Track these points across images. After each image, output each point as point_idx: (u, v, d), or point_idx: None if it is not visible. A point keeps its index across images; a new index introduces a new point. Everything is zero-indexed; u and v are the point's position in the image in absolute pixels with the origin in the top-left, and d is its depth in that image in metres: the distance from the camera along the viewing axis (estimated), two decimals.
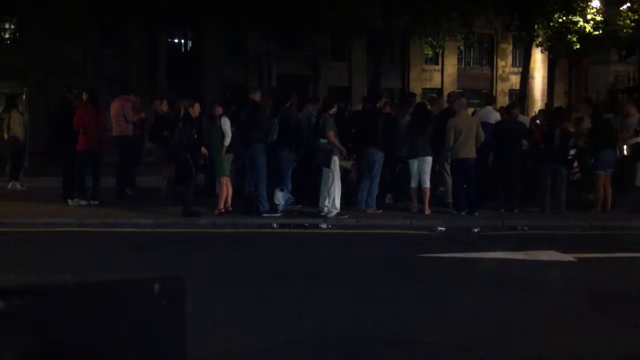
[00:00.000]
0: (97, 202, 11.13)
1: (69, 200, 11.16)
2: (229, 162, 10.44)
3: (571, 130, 11.69)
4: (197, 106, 10.25)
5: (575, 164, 11.65)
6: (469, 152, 10.72)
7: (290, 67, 30.08)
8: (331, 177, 10.34)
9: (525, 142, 11.57)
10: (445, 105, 12.70)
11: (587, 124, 12.13)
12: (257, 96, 10.75)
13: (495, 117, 12.20)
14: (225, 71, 30.07)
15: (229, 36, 30.46)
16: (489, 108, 12.59)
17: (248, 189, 10.75)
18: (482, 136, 10.81)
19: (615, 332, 5.12)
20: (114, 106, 11.91)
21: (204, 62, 30.28)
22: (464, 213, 10.87)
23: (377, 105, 11.35)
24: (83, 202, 11.10)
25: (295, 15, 28.23)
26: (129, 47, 28.68)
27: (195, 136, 10.20)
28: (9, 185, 13.13)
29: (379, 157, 10.77)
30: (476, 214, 10.79)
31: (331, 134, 10.31)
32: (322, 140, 10.40)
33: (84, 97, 11.56)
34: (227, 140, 10.13)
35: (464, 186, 10.89)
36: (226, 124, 10.17)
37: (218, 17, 28.35)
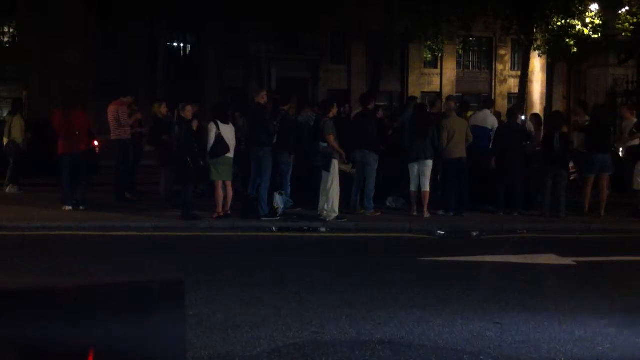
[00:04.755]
0: (83, 208, 10.95)
1: (63, 205, 11.06)
2: (227, 166, 10.38)
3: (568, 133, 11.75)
4: (188, 108, 10.22)
5: (571, 164, 11.68)
6: (462, 152, 10.96)
7: (290, 70, 30.08)
8: (330, 180, 10.34)
9: (528, 145, 11.63)
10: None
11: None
12: (262, 99, 10.70)
13: (491, 120, 12.21)
14: (225, 74, 30.07)
15: (229, 39, 30.46)
16: (486, 112, 12.57)
17: (250, 192, 10.71)
18: (471, 137, 11.10)
19: (614, 333, 5.13)
20: (110, 110, 11.89)
21: (204, 64, 30.29)
22: (451, 214, 10.94)
23: (369, 107, 11.31)
24: (67, 207, 10.88)
25: (296, 18, 28.27)
26: (129, 50, 28.68)
27: (193, 138, 10.17)
28: (7, 189, 13.11)
29: (372, 159, 10.80)
30: (463, 215, 10.86)
31: (331, 138, 10.32)
32: (322, 144, 10.41)
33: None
34: (208, 147, 10.09)
35: (455, 186, 11.01)
36: (211, 130, 10.11)
37: (218, 19, 28.36)
